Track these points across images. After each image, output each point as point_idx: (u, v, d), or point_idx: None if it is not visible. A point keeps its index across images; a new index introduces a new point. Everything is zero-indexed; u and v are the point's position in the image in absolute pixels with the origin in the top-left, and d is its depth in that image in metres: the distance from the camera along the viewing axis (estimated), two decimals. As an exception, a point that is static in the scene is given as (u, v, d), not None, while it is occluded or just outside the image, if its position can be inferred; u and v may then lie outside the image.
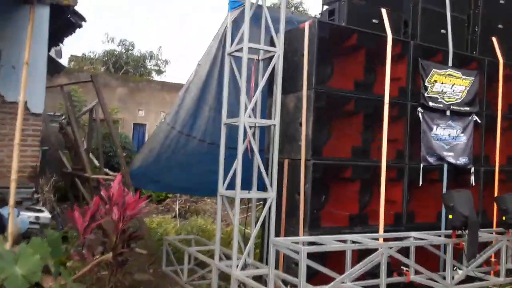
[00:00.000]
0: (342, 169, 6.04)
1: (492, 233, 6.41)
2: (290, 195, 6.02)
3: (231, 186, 5.79)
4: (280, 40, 5.69)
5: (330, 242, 4.51)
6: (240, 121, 5.45)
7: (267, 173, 5.86)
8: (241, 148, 5.43)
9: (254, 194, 5.87)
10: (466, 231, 5.00)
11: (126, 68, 26.64)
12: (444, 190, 6.85)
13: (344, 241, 5.07)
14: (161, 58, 28.92)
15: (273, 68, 5.72)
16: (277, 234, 6.18)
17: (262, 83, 5.68)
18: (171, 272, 7.09)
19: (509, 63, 7.67)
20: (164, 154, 7.53)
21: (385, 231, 6.19)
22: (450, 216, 4.95)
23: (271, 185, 5.68)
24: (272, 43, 6.01)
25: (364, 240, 4.85)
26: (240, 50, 5.51)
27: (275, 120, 5.71)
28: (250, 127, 5.97)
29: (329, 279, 4.84)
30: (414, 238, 5.38)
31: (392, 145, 6.54)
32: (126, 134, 18.23)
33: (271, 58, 5.74)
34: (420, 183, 6.56)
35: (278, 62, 5.70)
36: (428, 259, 6.13)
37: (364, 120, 6.16)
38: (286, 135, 6.20)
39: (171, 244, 7.15)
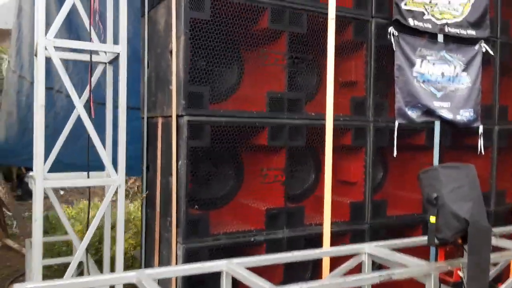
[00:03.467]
0: (252, 131, 3.41)
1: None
2: (164, 178, 3.44)
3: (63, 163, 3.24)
4: None
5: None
6: (38, 45, 2.82)
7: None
8: (40, 96, 2.83)
9: (89, 180, 3.27)
10: (465, 246, 2.38)
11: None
12: (436, 162, 4.20)
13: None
14: None
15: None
16: (150, 244, 3.64)
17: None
18: None
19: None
20: (29, 118, 5.00)
21: (334, 235, 3.60)
22: (433, 219, 2.33)
23: (114, 163, 3.07)
24: None
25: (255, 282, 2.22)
26: None
27: (120, 46, 3.06)
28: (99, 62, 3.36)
29: None
30: (368, 257, 2.77)
31: (346, 90, 3.90)
32: None
33: None
34: (395, 152, 3.92)
35: None
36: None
37: (290, 44, 3.48)
38: (158, 75, 3.58)
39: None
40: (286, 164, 3.47)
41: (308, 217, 3.72)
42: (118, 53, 3.07)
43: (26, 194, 11.03)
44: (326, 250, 2.97)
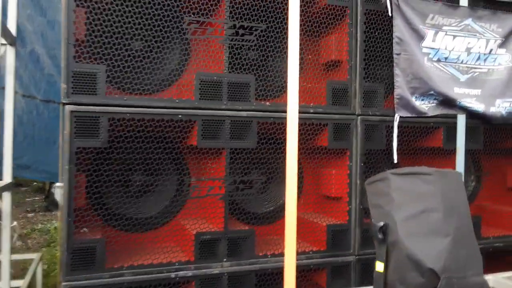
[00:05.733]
0: (175, 127, 2.51)
1: None
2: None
3: None
4: None
5: None
6: None
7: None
8: None
9: None
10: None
11: None
12: (461, 171, 3.05)
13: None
14: None
15: None
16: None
17: None
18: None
19: None
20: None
21: (303, 270, 2.63)
22: (380, 267, 1.31)
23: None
24: None
25: None
26: None
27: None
28: None
29: None
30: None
31: (329, 74, 2.92)
32: None
33: None
34: (395, 157, 2.84)
35: None
36: None
37: (233, 10, 2.57)
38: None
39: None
40: (226, 172, 2.52)
41: (276, 244, 2.76)
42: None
43: (51, 205, 10.88)
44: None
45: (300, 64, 2.68)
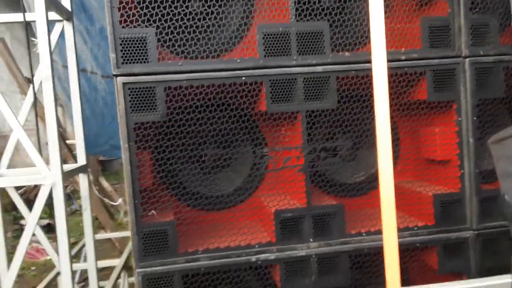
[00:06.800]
0: (239, 91, 2.17)
1: None
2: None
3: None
4: None
5: None
6: None
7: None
8: None
9: (3, 179, 2.40)
10: None
11: None
12: None
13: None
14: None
15: None
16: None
17: None
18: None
19: None
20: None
21: (407, 250, 2.21)
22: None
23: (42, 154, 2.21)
24: None
25: None
26: None
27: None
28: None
29: None
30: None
31: (423, 11, 2.38)
32: None
33: None
34: (520, 105, 2.22)
35: None
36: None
37: None
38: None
39: None
40: (304, 140, 2.14)
41: (371, 220, 2.34)
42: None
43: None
44: None
45: (384, 1, 2.19)
